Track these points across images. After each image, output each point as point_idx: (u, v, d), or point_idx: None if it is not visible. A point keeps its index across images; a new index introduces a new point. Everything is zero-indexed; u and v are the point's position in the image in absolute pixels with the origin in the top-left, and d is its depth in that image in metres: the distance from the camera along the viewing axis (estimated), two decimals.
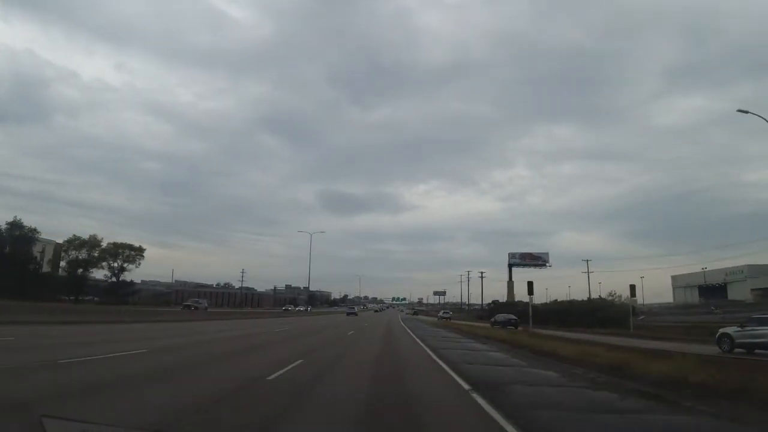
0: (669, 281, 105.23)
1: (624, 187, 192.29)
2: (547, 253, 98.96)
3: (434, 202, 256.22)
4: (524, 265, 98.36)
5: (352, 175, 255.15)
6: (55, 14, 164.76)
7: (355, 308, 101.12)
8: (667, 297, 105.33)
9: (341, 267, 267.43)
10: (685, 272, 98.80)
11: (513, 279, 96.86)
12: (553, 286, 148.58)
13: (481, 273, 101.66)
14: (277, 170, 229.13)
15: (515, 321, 43.59)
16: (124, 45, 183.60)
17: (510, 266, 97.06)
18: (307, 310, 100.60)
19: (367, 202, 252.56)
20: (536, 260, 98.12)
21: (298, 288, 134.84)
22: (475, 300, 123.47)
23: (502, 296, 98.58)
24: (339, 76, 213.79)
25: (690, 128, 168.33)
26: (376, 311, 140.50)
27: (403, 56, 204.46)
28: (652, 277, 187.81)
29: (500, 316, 47.72)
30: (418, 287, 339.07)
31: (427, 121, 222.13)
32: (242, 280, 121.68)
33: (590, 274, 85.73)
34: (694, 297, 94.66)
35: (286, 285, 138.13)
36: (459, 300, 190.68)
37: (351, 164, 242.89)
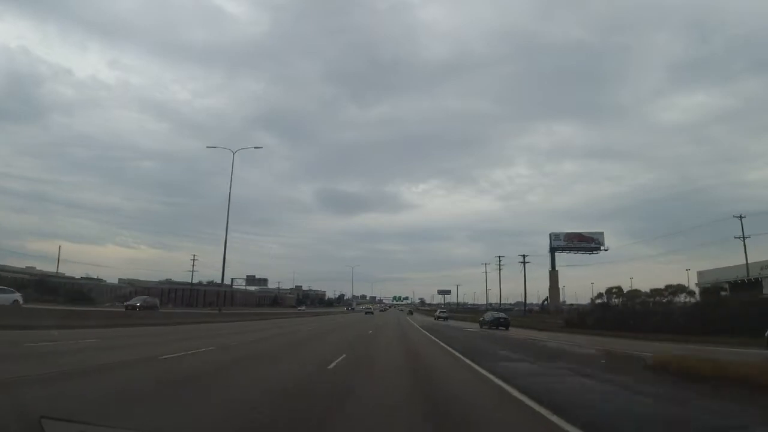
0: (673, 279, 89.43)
1: (625, 186, 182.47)
2: (601, 233, 76.06)
3: (434, 201, 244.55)
4: (571, 249, 75.65)
5: (351, 174, 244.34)
6: (49, 10, 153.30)
7: (372, 308, 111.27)
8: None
9: (341, 267, 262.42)
10: (707, 269, 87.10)
11: (557, 268, 74.38)
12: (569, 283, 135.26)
13: (523, 257, 74.88)
14: (275, 169, 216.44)
15: (505, 320, 39.96)
16: (117, 41, 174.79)
17: (552, 251, 74.25)
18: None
19: (366, 201, 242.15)
20: (587, 242, 75.31)
21: (264, 280, 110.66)
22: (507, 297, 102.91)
23: (517, 294, 76.31)
24: (337, 72, 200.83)
25: (692, 125, 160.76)
26: (381, 310, 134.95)
27: (403, 52, 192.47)
28: (655, 276, 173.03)
29: (488, 315, 43.80)
30: (421, 287, 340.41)
31: (427, 119, 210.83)
32: (193, 271, 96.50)
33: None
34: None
35: (247, 276, 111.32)
36: (474, 299, 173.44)
37: (349, 163, 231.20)
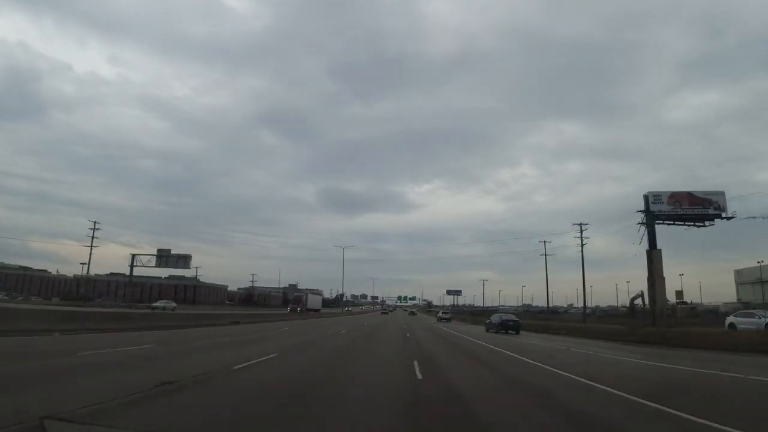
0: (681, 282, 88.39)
1: (632, 186, 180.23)
2: (721, 193, 50.47)
3: (439, 202, 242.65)
4: (675, 219, 50.10)
5: (354, 173, 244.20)
6: (46, 3, 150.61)
7: (388, 309, 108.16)
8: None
9: (344, 267, 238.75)
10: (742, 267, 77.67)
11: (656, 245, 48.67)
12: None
13: (644, 214, 45.76)
14: (277, 168, 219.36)
15: (515, 324, 34.04)
16: (117, 36, 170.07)
17: (651, 219, 48.71)
18: None
19: (370, 200, 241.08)
20: (701, 206, 49.76)
21: (185, 257, 69.35)
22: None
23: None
24: (341, 68, 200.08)
25: (701, 124, 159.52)
26: (384, 312, 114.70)
27: (408, 47, 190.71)
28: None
29: (495, 317, 37.88)
30: (429, 288, 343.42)
31: (431, 117, 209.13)
32: (92, 246, 62.85)
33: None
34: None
35: (159, 251, 69.46)
36: (498, 300, 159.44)
37: (352, 161, 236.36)
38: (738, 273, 77.07)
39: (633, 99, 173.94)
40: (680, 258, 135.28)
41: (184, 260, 66.37)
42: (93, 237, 59.99)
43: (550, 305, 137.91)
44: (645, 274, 47.79)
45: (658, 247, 48.63)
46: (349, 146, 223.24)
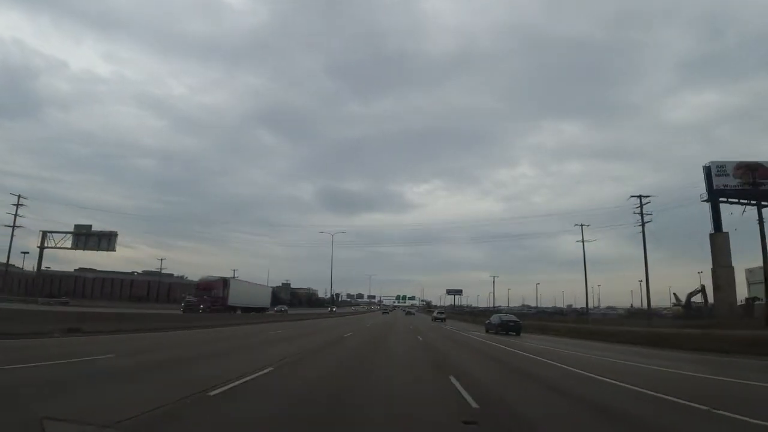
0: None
1: (632, 186, 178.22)
2: None
3: (438, 202, 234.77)
4: (740, 197, 41.02)
5: (352, 172, 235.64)
6: (43, 1, 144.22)
7: (388, 309, 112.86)
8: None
9: (339, 268, 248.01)
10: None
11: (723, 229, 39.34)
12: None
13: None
14: (275, 167, 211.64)
15: (515, 325, 32.28)
16: (112, 33, 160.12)
17: (715, 196, 39.53)
18: None
19: (368, 200, 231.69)
20: None
21: (110, 234, 56.32)
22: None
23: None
24: (339, 67, 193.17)
25: (701, 124, 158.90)
26: (384, 312, 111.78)
27: (407, 46, 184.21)
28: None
29: (495, 318, 36.11)
30: (430, 289, 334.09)
31: (430, 116, 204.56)
32: (14, 226, 51.33)
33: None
34: None
35: (76, 227, 56.39)
36: (507, 301, 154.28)
37: (350, 160, 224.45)
38: (750, 272, 71.58)
39: (633, 99, 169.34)
40: (680, 257, 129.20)
41: (108, 240, 54.95)
42: (16, 215, 49.18)
43: (545, 306, 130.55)
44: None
45: (725, 230, 39.59)
46: (348, 145, 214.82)
